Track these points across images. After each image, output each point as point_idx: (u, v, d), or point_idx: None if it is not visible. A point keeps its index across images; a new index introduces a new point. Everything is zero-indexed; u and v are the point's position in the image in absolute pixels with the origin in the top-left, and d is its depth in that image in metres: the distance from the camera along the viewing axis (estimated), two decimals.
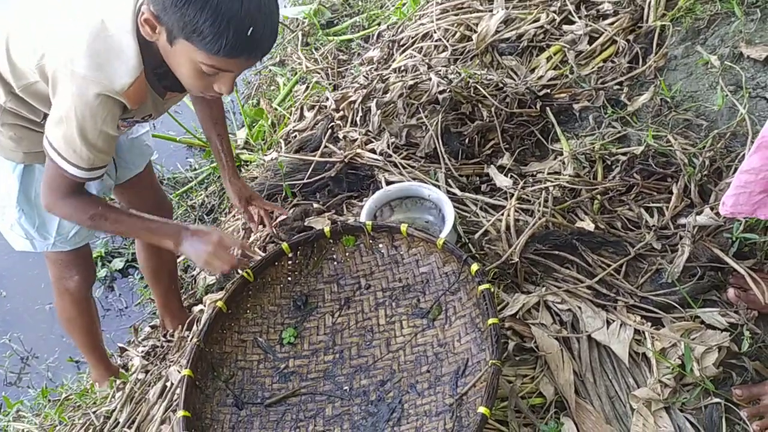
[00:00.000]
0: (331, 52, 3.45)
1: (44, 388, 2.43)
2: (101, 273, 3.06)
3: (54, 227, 1.76)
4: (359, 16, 3.77)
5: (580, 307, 1.69)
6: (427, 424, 1.48)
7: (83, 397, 2.08)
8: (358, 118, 2.35)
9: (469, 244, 1.85)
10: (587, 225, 1.85)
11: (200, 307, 2.00)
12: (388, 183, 2.07)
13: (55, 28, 1.43)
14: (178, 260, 2.88)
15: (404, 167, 2.12)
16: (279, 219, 2.05)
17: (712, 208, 1.79)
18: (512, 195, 1.95)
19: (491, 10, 2.63)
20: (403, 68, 2.56)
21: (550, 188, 1.95)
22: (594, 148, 2.06)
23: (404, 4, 3.29)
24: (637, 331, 1.62)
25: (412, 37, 2.79)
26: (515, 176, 2.08)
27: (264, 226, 2.02)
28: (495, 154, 2.19)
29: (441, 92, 2.24)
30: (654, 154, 1.97)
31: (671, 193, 1.89)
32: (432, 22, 2.73)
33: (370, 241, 1.76)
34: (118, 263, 3.07)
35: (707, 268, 1.71)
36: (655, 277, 1.74)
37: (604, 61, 2.37)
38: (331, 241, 1.77)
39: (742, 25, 2.13)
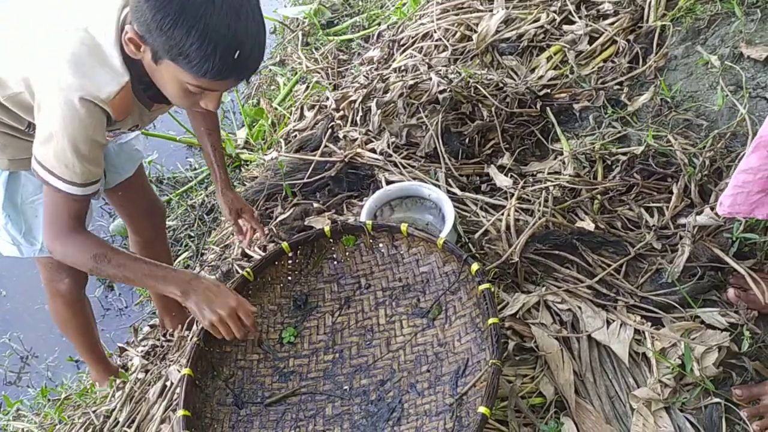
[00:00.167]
0: (331, 52, 3.45)
1: (44, 387, 2.44)
2: None
3: (41, 233, 1.72)
4: (359, 15, 3.77)
5: (580, 307, 1.69)
6: (427, 424, 1.48)
7: (83, 397, 2.08)
8: (358, 118, 2.35)
9: (469, 244, 1.85)
10: (587, 225, 1.84)
11: None
12: (388, 183, 2.07)
13: (39, 40, 1.41)
14: (179, 259, 2.89)
15: (404, 167, 2.12)
16: (257, 238, 2.05)
17: (712, 208, 1.79)
18: (512, 195, 1.95)
19: (491, 10, 2.63)
20: (403, 68, 2.56)
21: (550, 188, 1.94)
22: (594, 148, 2.06)
23: (404, 4, 3.29)
24: (637, 331, 1.62)
25: (413, 37, 2.79)
26: (515, 176, 2.08)
27: (252, 241, 2.02)
28: (495, 153, 2.19)
29: (441, 92, 2.24)
30: (654, 154, 1.97)
31: (671, 193, 1.89)
32: (432, 21, 2.73)
33: (371, 241, 1.76)
34: None
35: (707, 268, 1.70)
36: (655, 277, 1.74)
37: (605, 61, 2.37)
38: (331, 240, 1.77)
39: (742, 25, 2.13)
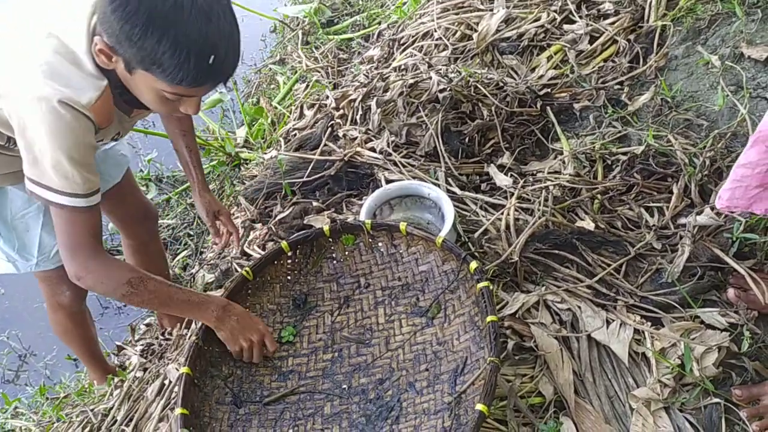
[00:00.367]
0: (331, 51, 3.44)
1: (42, 385, 2.43)
2: None
3: (35, 247, 1.71)
4: (359, 15, 3.77)
5: (579, 307, 1.69)
6: (425, 423, 1.47)
7: (81, 396, 2.08)
8: (358, 117, 2.35)
9: (469, 243, 1.85)
10: (587, 224, 1.84)
11: None
12: (388, 181, 2.07)
13: (9, 53, 1.36)
14: (178, 257, 2.88)
15: (404, 166, 2.12)
16: (232, 242, 2.01)
17: (712, 208, 1.78)
18: (512, 194, 1.95)
19: (492, 9, 2.63)
20: (403, 67, 2.56)
21: (550, 187, 1.94)
22: (594, 147, 2.06)
23: (405, 3, 3.29)
24: (636, 331, 1.62)
25: (413, 36, 2.79)
26: (515, 175, 2.07)
27: (228, 243, 1.99)
28: (495, 153, 2.18)
29: (441, 91, 2.23)
30: (654, 154, 1.97)
31: (671, 192, 1.89)
32: (432, 21, 2.73)
33: (370, 240, 1.75)
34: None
35: (707, 268, 1.70)
36: (655, 277, 1.74)
37: (605, 60, 2.36)
38: (331, 239, 1.76)
39: (743, 26, 2.12)
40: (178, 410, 1.47)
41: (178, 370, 1.73)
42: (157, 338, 2.24)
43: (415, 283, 1.70)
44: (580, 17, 2.48)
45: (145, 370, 1.89)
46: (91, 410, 1.77)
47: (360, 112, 2.35)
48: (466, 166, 2.15)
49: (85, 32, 1.30)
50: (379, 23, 3.44)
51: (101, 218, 1.47)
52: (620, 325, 1.64)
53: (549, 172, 2.04)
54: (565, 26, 2.49)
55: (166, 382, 1.76)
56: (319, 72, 3.25)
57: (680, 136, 2.01)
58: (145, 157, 3.47)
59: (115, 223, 2.21)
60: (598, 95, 2.23)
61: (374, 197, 1.94)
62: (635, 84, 2.26)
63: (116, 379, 1.92)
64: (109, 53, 1.26)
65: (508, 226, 1.85)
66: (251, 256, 2.05)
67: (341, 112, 2.41)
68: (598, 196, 1.94)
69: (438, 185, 2.02)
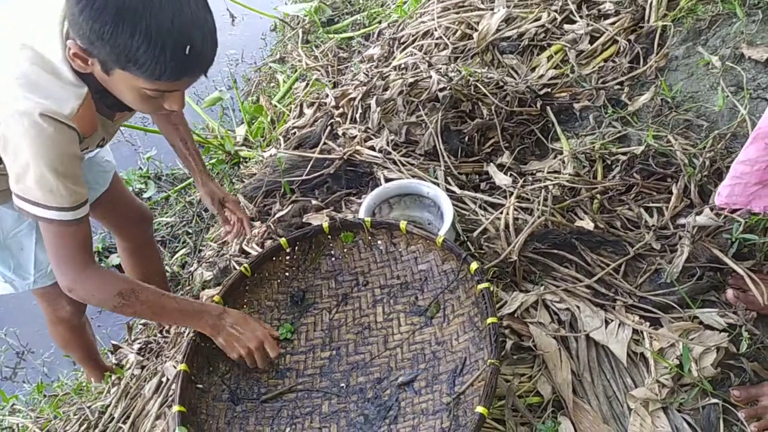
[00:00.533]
0: (331, 50, 3.44)
1: (40, 383, 2.42)
2: None
3: (31, 265, 1.69)
4: (360, 14, 3.77)
5: (578, 307, 1.68)
6: (423, 423, 1.47)
7: (79, 393, 2.07)
8: (357, 115, 2.34)
9: (468, 243, 1.85)
10: (586, 224, 1.84)
11: None
12: (387, 180, 2.07)
13: None
14: (176, 255, 2.88)
15: (403, 165, 2.12)
16: (243, 232, 1.99)
17: (711, 209, 1.78)
18: (511, 193, 1.94)
19: (492, 9, 2.62)
20: (403, 66, 2.55)
21: (550, 187, 1.94)
22: (594, 147, 2.05)
23: (405, 2, 3.29)
24: (635, 331, 1.62)
25: (413, 35, 2.78)
26: (515, 175, 2.07)
27: (239, 232, 1.95)
28: (495, 152, 2.18)
29: (441, 90, 2.23)
30: (654, 154, 1.97)
31: (671, 193, 1.89)
32: (433, 20, 2.73)
33: (369, 238, 1.75)
34: (115, 259, 3.05)
35: (706, 268, 1.70)
36: (654, 277, 1.73)
37: (605, 60, 2.36)
38: (330, 237, 1.76)
39: (743, 26, 2.12)
40: (176, 407, 1.47)
41: (175, 367, 1.72)
42: (154, 336, 2.24)
43: (414, 282, 1.70)
44: (581, 17, 2.48)
45: (142, 367, 1.89)
46: (89, 407, 1.77)
47: (360, 111, 2.35)
48: (465, 165, 2.14)
49: (58, 39, 1.26)
50: (380, 22, 3.44)
51: (90, 229, 1.44)
52: (619, 325, 1.63)
53: (548, 172, 2.04)
54: (566, 26, 2.49)
55: (164, 379, 1.76)
56: (319, 71, 3.24)
57: (680, 137, 2.01)
58: (144, 155, 3.46)
59: (110, 228, 2.19)
60: (598, 95, 2.23)
61: (373, 196, 1.94)
62: (635, 84, 2.26)
63: (114, 377, 1.91)
64: (84, 56, 1.22)
65: (507, 226, 1.84)
66: (249, 254, 2.05)
67: (341, 110, 2.41)
68: (598, 196, 1.94)
69: (437, 184, 2.02)
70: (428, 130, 2.16)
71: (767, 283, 1.61)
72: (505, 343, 1.62)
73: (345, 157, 2.19)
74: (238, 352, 1.56)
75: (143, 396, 1.75)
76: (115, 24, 1.13)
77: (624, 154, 2.01)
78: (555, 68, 2.39)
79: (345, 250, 1.77)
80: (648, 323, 1.63)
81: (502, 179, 2.04)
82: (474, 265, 1.55)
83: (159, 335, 2.09)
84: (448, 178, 2.07)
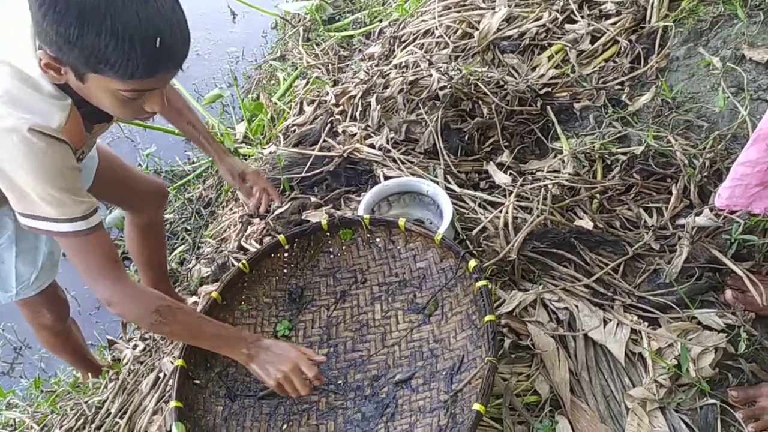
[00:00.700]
0: (332, 48, 3.44)
1: (37, 378, 2.42)
2: None
3: (13, 278, 1.67)
4: (361, 12, 3.76)
5: (577, 306, 1.68)
6: (420, 420, 1.47)
7: (76, 389, 2.07)
8: (357, 113, 2.34)
9: (467, 241, 1.84)
10: (586, 224, 1.84)
11: (194, 299, 1.99)
12: (387, 178, 2.06)
13: None
14: (175, 252, 2.88)
15: (403, 163, 2.11)
16: (275, 207, 1.99)
17: (711, 209, 1.78)
18: (511, 192, 1.94)
19: (493, 8, 2.62)
20: (404, 64, 2.55)
21: (549, 186, 1.94)
22: (594, 147, 2.05)
23: (406, 1, 3.28)
24: (633, 331, 1.62)
25: (414, 34, 2.78)
26: (514, 174, 2.06)
27: (260, 202, 1.90)
28: (494, 151, 2.18)
29: (441, 88, 2.23)
30: (654, 155, 1.97)
31: (670, 193, 1.89)
32: (434, 18, 2.72)
33: (368, 235, 1.75)
34: None
35: (705, 269, 1.70)
36: (653, 278, 1.73)
37: (606, 60, 2.36)
38: (328, 234, 1.76)
39: (744, 28, 2.12)
40: (173, 403, 1.46)
41: (172, 363, 1.72)
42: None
43: (413, 280, 1.70)
44: (582, 17, 2.47)
45: (140, 363, 1.89)
46: (85, 403, 1.77)
47: (360, 109, 2.34)
48: (465, 163, 2.14)
49: (33, 53, 1.22)
50: (381, 20, 3.43)
51: (110, 240, 1.40)
52: (617, 324, 1.63)
53: (548, 171, 2.04)
54: (567, 26, 2.48)
55: (161, 375, 1.76)
56: (320, 69, 3.24)
57: (680, 137, 2.01)
58: (143, 152, 3.46)
59: (123, 205, 2.13)
60: (598, 95, 2.23)
61: (373, 193, 1.93)
62: (636, 84, 2.25)
63: (111, 372, 1.91)
64: (56, 65, 1.17)
65: (506, 224, 1.84)
66: (248, 250, 2.04)
67: (341, 108, 2.40)
68: (597, 195, 1.94)
69: (437, 182, 2.01)
70: (428, 128, 2.16)
71: (766, 284, 1.61)
72: (503, 341, 1.62)
73: (345, 154, 2.18)
74: (274, 376, 1.47)
75: (140, 392, 1.75)
76: (79, 24, 1.09)
77: (624, 154, 2.01)
78: (556, 68, 2.39)
79: (343, 247, 1.77)
80: (646, 323, 1.63)
81: (501, 178, 2.04)
82: (472, 263, 1.55)
83: None
84: (448, 177, 2.07)
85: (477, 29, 2.56)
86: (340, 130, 2.32)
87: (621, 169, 1.98)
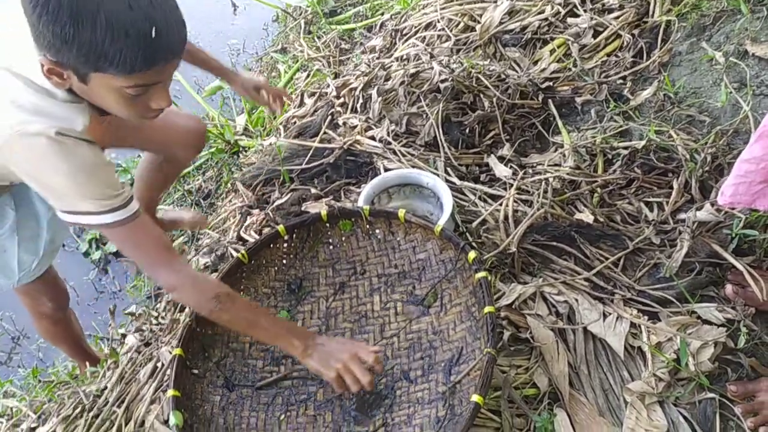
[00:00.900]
0: (333, 41, 3.42)
1: (35, 368, 2.42)
2: (95, 255, 3.04)
3: (15, 266, 1.67)
4: (362, 5, 3.75)
5: (576, 299, 1.68)
6: (419, 412, 1.47)
7: (74, 378, 2.07)
8: (358, 105, 2.33)
9: (467, 233, 1.84)
10: (586, 217, 1.83)
11: None
12: (387, 170, 2.06)
13: None
14: (174, 243, 2.86)
15: (403, 155, 2.11)
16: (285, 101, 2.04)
17: (712, 204, 1.77)
18: (511, 185, 1.94)
19: (495, 1, 2.61)
20: (405, 57, 2.54)
21: (550, 179, 1.93)
22: (595, 141, 2.04)
23: None
24: (633, 325, 1.61)
25: (415, 27, 2.77)
26: (515, 167, 2.06)
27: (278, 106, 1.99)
28: (495, 144, 2.17)
29: (443, 81, 2.22)
30: (656, 149, 1.96)
31: (672, 188, 1.88)
32: (435, 11, 2.71)
33: (367, 226, 1.74)
34: (112, 246, 3.05)
35: (706, 263, 1.69)
36: (653, 272, 1.73)
37: (608, 55, 2.35)
38: (328, 225, 1.75)
39: (747, 23, 2.11)
40: (170, 392, 1.46)
41: (170, 353, 1.71)
42: (150, 323, 2.23)
43: (412, 271, 1.69)
44: (585, 11, 2.46)
45: (138, 353, 1.88)
46: (83, 391, 1.76)
47: (360, 101, 2.34)
48: (465, 156, 2.13)
49: (37, 61, 1.21)
50: (382, 14, 3.42)
51: (157, 226, 1.42)
52: (617, 318, 1.63)
53: (549, 165, 2.03)
54: (569, 20, 2.47)
55: (159, 364, 1.75)
56: (321, 61, 3.23)
57: (682, 132, 2.00)
58: None
59: (155, 153, 2.08)
60: (600, 89, 2.22)
61: (373, 185, 1.93)
62: (638, 79, 2.25)
63: (109, 361, 1.91)
64: (58, 69, 1.17)
65: (506, 217, 1.84)
66: (247, 241, 2.04)
67: (342, 100, 2.40)
68: (598, 189, 1.93)
69: (437, 175, 2.00)
70: (429, 121, 2.15)
71: (766, 279, 1.60)
72: (503, 333, 1.62)
73: (345, 146, 2.18)
74: (334, 368, 1.45)
75: (138, 381, 1.74)
76: (73, 22, 1.09)
77: (625, 148, 2.00)
78: (557, 62, 2.38)
79: (343, 238, 1.76)
80: (646, 317, 1.62)
81: (502, 171, 2.03)
82: (472, 255, 1.54)
83: (153, 321, 2.08)
84: (448, 169, 2.06)
85: (479, 22, 2.55)
86: (340, 122, 2.31)
87: (622, 164, 1.97)
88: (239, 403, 1.56)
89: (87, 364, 2.09)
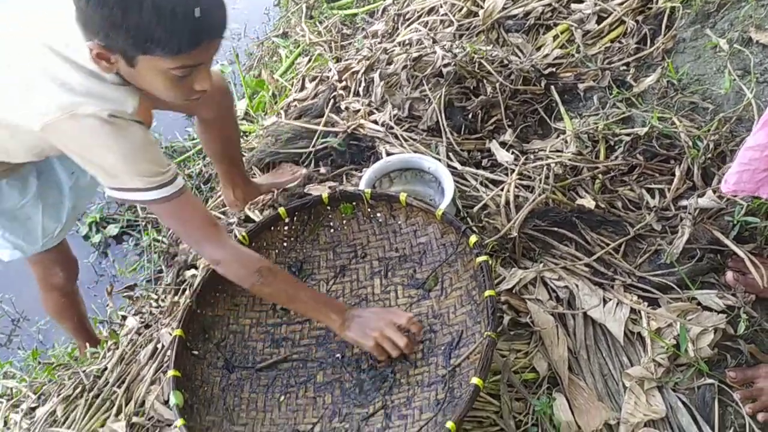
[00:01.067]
0: (335, 26, 3.40)
1: (35, 349, 2.42)
2: (95, 238, 3.04)
3: (39, 231, 1.71)
4: None
5: (577, 285, 1.68)
6: (418, 394, 1.47)
7: (73, 359, 2.07)
8: (360, 89, 2.32)
9: (468, 218, 1.84)
10: (588, 203, 1.83)
11: (193, 271, 1.98)
12: (389, 155, 2.05)
13: (32, 88, 1.30)
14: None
15: (405, 140, 2.10)
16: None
17: (714, 191, 1.77)
18: (513, 171, 1.93)
19: None
20: (407, 42, 2.53)
21: (552, 165, 1.92)
22: (597, 128, 2.04)
23: None
24: (633, 311, 1.61)
25: (418, 12, 2.75)
26: (517, 153, 2.05)
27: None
28: (497, 130, 2.16)
29: (445, 66, 2.21)
30: (658, 136, 1.95)
31: (674, 175, 1.88)
32: None
33: (368, 210, 1.74)
34: (112, 229, 3.05)
35: (707, 250, 1.69)
36: (654, 258, 1.73)
37: (612, 41, 2.33)
38: (329, 207, 1.75)
39: (752, 10, 2.10)
40: (171, 372, 1.46)
41: (171, 334, 1.72)
42: (150, 305, 2.23)
43: (413, 255, 1.69)
44: None
45: (139, 334, 1.88)
46: (83, 372, 1.77)
47: (362, 85, 2.32)
48: (467, 142, 2.13)
49: (85, 46, 1.26)
50: None
51: (202, 202, 1.47)
52: (617, 304, 1.63)
53: (551, 151, 2.02)
54: (573, 5, 2.45)
55: (159, 346, 1.76)
56: (322, 46, 3.21)
57: (685, 119, 1.99)
58: None
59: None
60: (603, 76, 2.21)
61: (374, 169, 1.92)
62: (641, 65, 2.24)
63: (110, 343, 1.91)
64: (107, 53, 1.22)
65: (507, 202, 1.83)
66: (252, 220, 2.03)
67: (344, 83, 2.38)
68: (600, 175, 1.92)
69: (439, 160, 2.00)
70: (431, 105, 2.14)
71: (767, 266, 1.60)
72: (503, 318, 1.62)
73: (349, 130, 2.17)
74: (371, 336, 1.48)
75: (138, 362, 1.75)
76: (121, 5, 1.14)
77: (627, 135, 1.99)
78: (560, 48, 2.37)
79: (344, 221, 1.76)
80: (646, 303, 1.62)
81: (503, 156, 2.02)
82: (473, 239, 1.54)
83: (153, 303, 2.08)
84: (450, 155, 2.05)
85: (482, 7, 2.53)
86: (343, 107, 2.30)
87: (624, 150, 1.96)
88: (239, 384, 1.56)
89: (87, 345, 2.09)
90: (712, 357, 1.52)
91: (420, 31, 2.57)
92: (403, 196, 1.67)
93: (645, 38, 2.27)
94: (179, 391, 1.43)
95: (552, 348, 1.58)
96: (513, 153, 2.04)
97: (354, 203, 1.74)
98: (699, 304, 1.61)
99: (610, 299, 1.64)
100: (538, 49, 2.40)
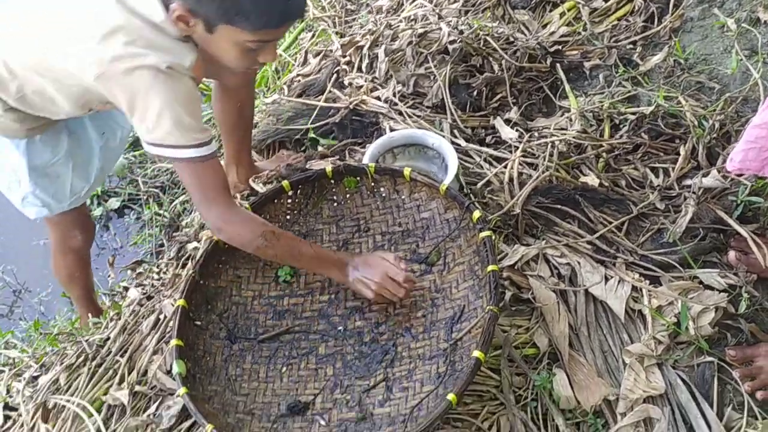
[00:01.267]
0: (339, 1, 3.37)
1: (36, 320, 2.43)
2: (97, 212, 3.03)
3: (68, 190, 1.75)
4: None
5: (579, 262, 1.68)
6: (420, 367, 1.48)
7: (75, 329, 2.08)
8: (364, 65, 2.31)
9: (471, 195, 1.83)
10: (591, 181, 1.83)
11: (195, 244, 1.98)
12: (393, 131, 2.04)
13: (92, 37, 1.33)
14: (175, 202, 2.86)
15: (409, 116, 2.09)
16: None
17: (718, 171, 1.77)
18: (517, 148, 1.93)
19: None
20: (412, 17, 2.50)
21: (556, 143, 1.92)
22: (603, 106, 2.03)
23: None
24: (634, 288, 1.62)
25: None
26: (521, 130, 2.04)
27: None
28: (502, 107, 2.15)
29: (451, 42, 2.19)
30: (663, 115, 1.95)
31: (678, 154, 1.87)
32: None
33: (372, 184, 1.74)
34: (114, 203, 3.04)
35: (710, 229, 1.70)
36: (657, 237, 1.73)
37: (619, 19, 2.32)
38: (333, 181, 1.75)
39: None
40: (174, 341, 1.47)
41: (173, 305, 1.72)
42: (151, 278, 2.23)
43: (416, 230, 1.69)
44: None
45: (141, 305, 1.89)
46: (86, 341, 1.77)
47: (367, 60, 2.31)
48: (472, 119, 2.12)
49: (158, 2, 1.32)
50: None
51: (222, 168, 1.52)
52: (618, 281, 1.63)
53: (555, 129, 2.02)
54: None
55: (162, 316, 1.76)
56: (326, 21, 3.18)
57: (691, 99, 1.99)
58: None
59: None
60: (609, 54, 2.20)
61: (378, 144, 1.92)
62: (648, 44, 2.22)
63: (112, 313, 1.91)
64: (188, 17, 1.29)
65: (511, 179, 1.83)
66: (256, 192, 2.02)
67: (347, 58, 2.37)
68: (604, 154, 1.92)
69: (443, 136, 1.99)
70: (437, 82, 2.13)
71: None
72: (505, 293, 1.63)
73: (351, 106, 2.16)
74: (372, 288, 1.54)
75: (141, 332, 1.75)
76: None
77: (633, 113, 1.99)
78: (567, 25, 2.35)
79: (347, 195, 1.76)
80: (648, 281, 1.63)
81: (508, 133, 2.02)
82: (476, 214, 1.54)
83: (155, 276, 2.08)
84: (454, 131, 2.04)
85: None
86: (346, 82, 2.29)
87: (629, 129, 1.96)
88: (241, 355, 1.57)
89: (90, 315, 2.10)
90: (713, 335, 1.53)
91: (425, 6, 2.55)
92: (407, 171, 1.67)
93: (652, 17, 2.26)
94: (182, 360, 1.44)
95: (553, 324, 1.59)
96: (517, 130, 2.04)
97: (358, 177, 1.73)
98: (701, 282, 1.61)
99: (612, 277, 1.64)
100: (545, 26, 2.39)
